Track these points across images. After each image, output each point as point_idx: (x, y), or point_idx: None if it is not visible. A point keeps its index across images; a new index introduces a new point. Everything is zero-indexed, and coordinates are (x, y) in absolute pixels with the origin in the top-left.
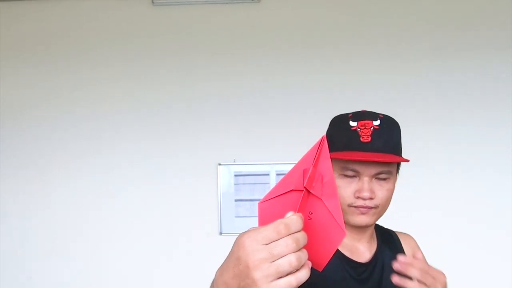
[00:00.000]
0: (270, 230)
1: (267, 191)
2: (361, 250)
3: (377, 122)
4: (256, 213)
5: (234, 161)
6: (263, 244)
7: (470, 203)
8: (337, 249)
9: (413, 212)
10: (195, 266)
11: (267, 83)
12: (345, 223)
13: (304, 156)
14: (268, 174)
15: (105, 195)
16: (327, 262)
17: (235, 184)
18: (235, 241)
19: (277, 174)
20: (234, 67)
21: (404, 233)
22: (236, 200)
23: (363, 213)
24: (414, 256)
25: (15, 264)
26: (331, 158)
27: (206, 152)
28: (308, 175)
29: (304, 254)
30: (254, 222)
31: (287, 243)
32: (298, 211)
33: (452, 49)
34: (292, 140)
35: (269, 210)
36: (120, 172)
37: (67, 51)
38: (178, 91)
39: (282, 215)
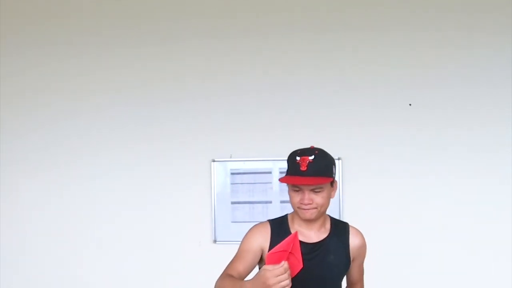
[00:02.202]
0: (278, 270)
1: (269, 191)
2: (311, 235)
3: (312, 157)
4: (256, 218)
5: (231, 157)
6: (275, 276)
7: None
8: None
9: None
10: (185, 282)
11: (268, 72)
12: (300, 217)
13: (288, 238)
14: (270, 172)
15: (86, 198)
16: (296, 273)
17: (231, 183)
18: (259, 274)
19: (281, 172)
20: (233, 53)
21: (356, 228)
22: (232, 203)
23: (306, 212)
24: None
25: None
26: (286, 181)
27: (197, 147)
28: (291, 246)
29: (289, 276)
30: None
31: (285, 276)
32: (286, 259)
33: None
34: (296, 133)
35: (273, 256)
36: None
37: (60, 41)
38: (169, 81)
39: (279, 261)
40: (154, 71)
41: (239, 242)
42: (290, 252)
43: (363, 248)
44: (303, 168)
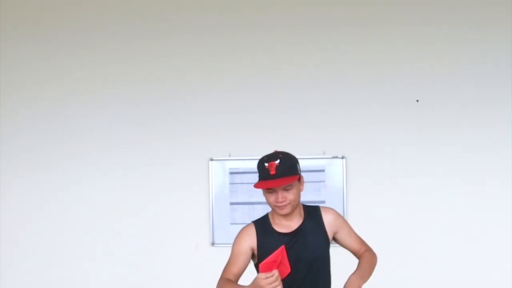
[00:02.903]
0: (271, 278)
1: None
2: (291, 225)
3: (278, 161)
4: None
5: (229, 156)
6: (269, 284)
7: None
8: (275, 229)
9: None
10: (182, 287)
11: (270, 68)
12: (278, 213)
13: (276, 251)
14: None
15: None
16: (285, 276)
17: (230, 183)
18: (255, 282)
19: None
20: (233, 50)
21: (326, 207)
22: (231, 204)
23: (282, 208)
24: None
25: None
26: (260, 187)
27: (194, 145)
28: (280, 257)
29: (280, 282)
30: None
31: (277, 283)
32: (276, 268)
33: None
34: (298, 131)
35: (265, 266)
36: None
37: (54, 37)
38: (165, 77)
39: (271, 269)
40: (150, 68)
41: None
42: (280, 262)
43: (337, 219)
44: (272, 172)
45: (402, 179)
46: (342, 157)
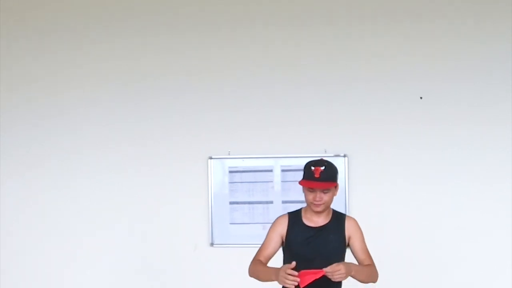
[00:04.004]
0: (291, 276)
1: (270, 191)
2: (319, 221)
3: (323, 168)
4: (256, 219)
5: (229, 154)
6: (284, 276)
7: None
8: (304, 222)
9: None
10: None
11: (271, 65)
12: (312, 209)
13: (319, 272)
14: (271, 170)
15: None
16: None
17: (229, 182)
18: (280, 268)
19: (283, 170)
20: (232, 45)
21: (351, 217)
22: (231, 203)
23: (317, 207)
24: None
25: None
26: (304, 185)
27: (193, 143)
28: (316, 277)
29: (292, 282)
30: (254, 230)
31: (288, 281)
32: (300, 278)
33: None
34: (299, 129)
35: (304, 273)
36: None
37: (46, 32)
38: (162, 73)
39: (304, 275)
40: (148, 66)
41: (238, 246)
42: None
43: (355, 226)
44: (317, 175)
45: (404, 178)
46: (344, 156)
